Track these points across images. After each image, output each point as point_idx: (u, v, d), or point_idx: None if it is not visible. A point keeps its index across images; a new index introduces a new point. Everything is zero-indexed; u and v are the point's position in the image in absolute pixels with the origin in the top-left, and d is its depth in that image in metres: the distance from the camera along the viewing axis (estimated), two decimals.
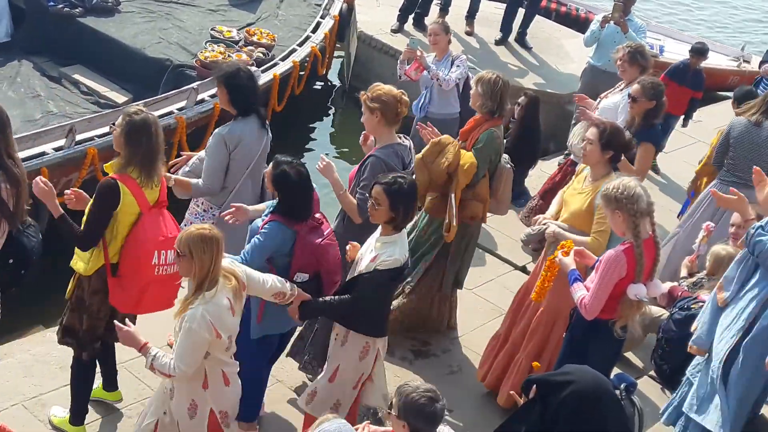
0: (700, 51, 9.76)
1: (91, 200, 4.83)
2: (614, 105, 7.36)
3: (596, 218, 5.40)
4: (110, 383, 5.47)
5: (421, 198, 6.06)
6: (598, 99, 7.65)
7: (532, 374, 3.77)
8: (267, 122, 5.83)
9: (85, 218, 4.80)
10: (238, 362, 4.53)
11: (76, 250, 4.90)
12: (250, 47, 10.17)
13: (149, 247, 4.76)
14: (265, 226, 4.92)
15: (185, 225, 5.61)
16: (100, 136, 7.96)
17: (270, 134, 5.87)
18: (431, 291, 6.42)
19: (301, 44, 10.76)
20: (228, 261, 4.44)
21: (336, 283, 5.07)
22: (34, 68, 9.62)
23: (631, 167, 6.19)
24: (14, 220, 4.60)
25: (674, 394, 5.41)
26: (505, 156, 6.33)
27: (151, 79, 9.55)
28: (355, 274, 4.92)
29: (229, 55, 9.68)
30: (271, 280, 4.68)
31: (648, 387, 6.16)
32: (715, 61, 12.97)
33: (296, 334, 5.79)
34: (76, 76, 9.60)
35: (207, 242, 4.17)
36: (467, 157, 6.06)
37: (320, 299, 4.91)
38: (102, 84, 9.57)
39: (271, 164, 5.06)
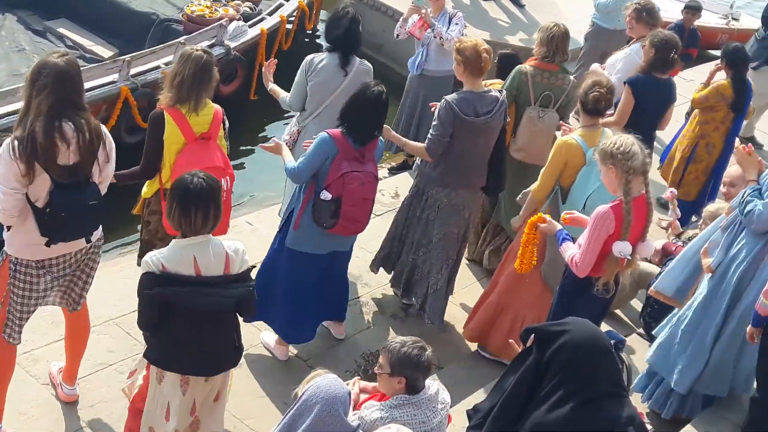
0: (695, 7, 9.73)
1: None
2: (615, 60, 7.45)
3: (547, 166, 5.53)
4: None
5: None
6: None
7: (530, 324, 3.78)
8: (350, 66, 6.10)
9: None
10: None
11: None
12: (236, 1, 10.05)
13: None
14: (316, 138, 5.21)
15: (286, 138, 6.17)
16: (86, 90, 7.86)
17: (351, 76, 6.08)
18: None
19: None
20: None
21: (358, 222, 5.25)
22: (19, 22, 9.52)
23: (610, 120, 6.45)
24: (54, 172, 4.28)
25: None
26: (539, 108, 6.34)
27: (137, 34, 9.45)
28: None
29: (215, 9, 9.57)
30: None
31: (637, 344, 6.20)
32: (704, 19, 12.88)
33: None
34: (61, 30, 9.50)
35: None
36: None
37: None
38: (87, 38, 9.49)
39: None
